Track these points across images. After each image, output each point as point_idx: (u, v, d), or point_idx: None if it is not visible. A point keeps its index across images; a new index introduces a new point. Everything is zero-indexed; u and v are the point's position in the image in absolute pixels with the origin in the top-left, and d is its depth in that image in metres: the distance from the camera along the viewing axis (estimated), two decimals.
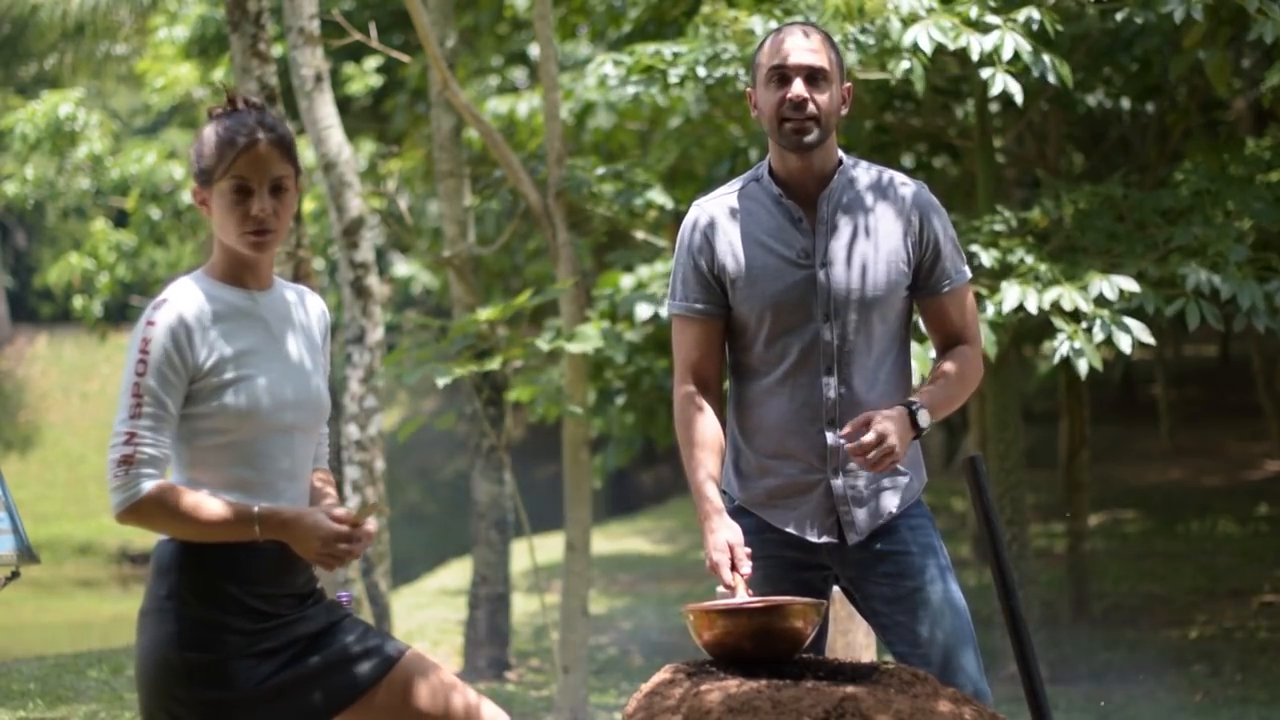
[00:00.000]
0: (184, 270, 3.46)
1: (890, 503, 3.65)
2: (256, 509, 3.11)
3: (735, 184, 3.73)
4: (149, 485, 3.04)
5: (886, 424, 3.43)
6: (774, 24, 7.25)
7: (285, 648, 3.19)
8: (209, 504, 3.08)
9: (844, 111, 3.66)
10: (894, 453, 3.43)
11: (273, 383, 3.16)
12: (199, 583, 3.12)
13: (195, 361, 3.09)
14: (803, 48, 3.59)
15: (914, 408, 3.51)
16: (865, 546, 3.65)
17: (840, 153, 3.69)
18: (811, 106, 3.56)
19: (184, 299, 3.12)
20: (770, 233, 3.63)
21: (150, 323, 3.08)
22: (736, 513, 3.62)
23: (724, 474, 3.67)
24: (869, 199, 3.65)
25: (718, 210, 3.68)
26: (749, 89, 3.70)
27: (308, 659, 3.21)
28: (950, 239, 3.67)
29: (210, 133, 3.17)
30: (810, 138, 3.58)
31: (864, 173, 3.70)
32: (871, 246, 3.61)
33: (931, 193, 3.76)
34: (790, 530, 3.64)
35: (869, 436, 3.42)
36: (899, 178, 3.70)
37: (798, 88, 3.56)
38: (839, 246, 3.61)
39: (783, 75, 3.58)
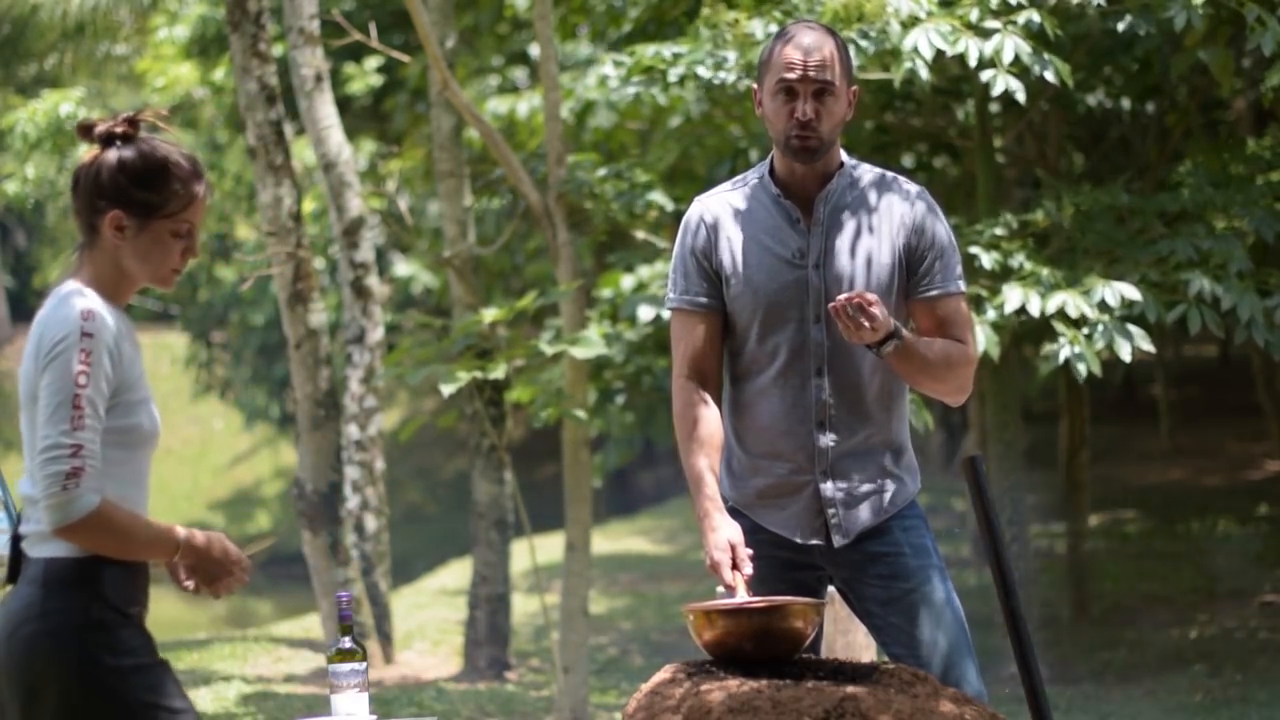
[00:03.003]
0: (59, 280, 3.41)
1: (881, 506, 3.64)
2: (181, 532, 3.09)
3: (736, 182, 3.73)
4: (96, 500, 2.97)
5: (882, 310, 3.41)
6: (774, 27, 7.24)
7: None
8: (142, 523, 3.05)
9: (850, 116, 3.65)
10: (871, 322, 3.39)
11: (153, 404, 3.15)
12: (109, 597, 3.04)
13: (117, 377, 3.04)
14: (811, 62, 3.54)
15: (897, 332, 3.47)
16: (858, 548, 3.64)
17: (843, 154, 3.68)
18: (817, 123, 3.55)
19: (106, 311, 3.05)
20: (768, 231, 3.63)
21: (87, 333, 2.99)
22: (729, 514, 3.62)
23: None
24: (868, 201, 3.65)
25: (718, 207, 3.68)
26: (754, 86, 3.68)
27: None
28: (947, 246, 3.65)
29: (147, 163, 3.10)
30: (814, 152, 3.58)
31: (865, 175, 3.69)
32: (866, 249, 3.61)
33: (933, 195, 3.76)
34: (779, 531, 3.64)
35: (872, 296, 3.41)
36: (901, 181, 3.69)
37: (805, 108, 3.54)
38: (834, 248, 3.61)
39: (790, 90, 3.56)
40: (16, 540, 3.10)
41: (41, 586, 3.03)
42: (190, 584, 3.14)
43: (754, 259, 3.62)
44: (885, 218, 3.64)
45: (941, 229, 3.66)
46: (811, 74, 3.54)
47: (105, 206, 3.10)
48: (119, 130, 3.13)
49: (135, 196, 3.10)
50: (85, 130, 3.15)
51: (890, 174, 3.71)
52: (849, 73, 3.62)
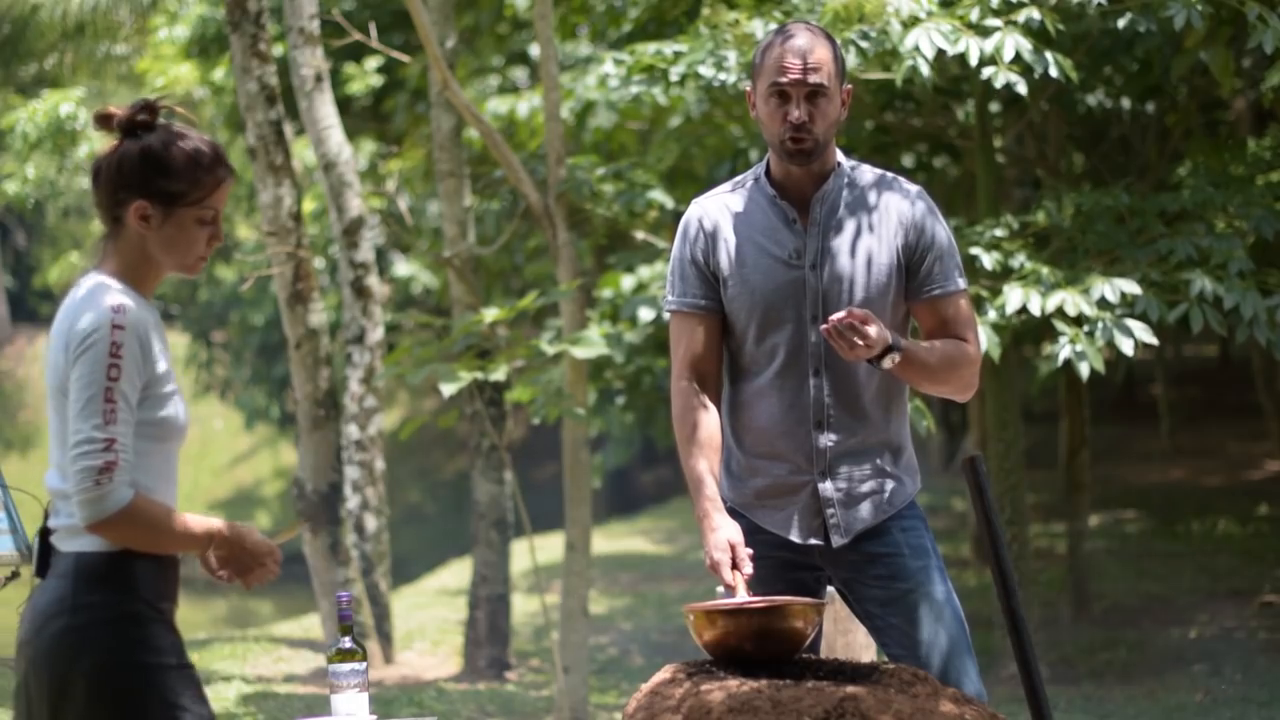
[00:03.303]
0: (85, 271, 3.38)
1: (879, 506, 3.64)
2: (214, 524, 3.06)
3: (733, 183, 3.73)
4: (129, 495, 2.94)
5: (877, 326, 3.40)
6: (775, 27, 7.23)
7: None
8: (175, 516, 3.02)
9: (844, 116, 3.65)
10: (865, 340, 3.37)
11: (181, 396, 3.12)
12: (141, 592, 3.01)
13: (148, 369, 3.01)
14: (804, 66, 3.54)
15: (895, 344, 3.45)
16: (857, 548, 3.64)
17: (839, 154, 3.68)
18: (811, 126, 3.55)
19: (134, 303, 3.02)
20: (764, 233, 3.63)
21: (118, 325, 2.96)
22: (728, 515, 3.62)
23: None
24: (864, 202, 3.65)
25: (715, 208, 3.68)
26: (748, 89, 3.69)
27: None
28: (946, 246, 3.64)
29: (169, 151, 3.06)
30: (810, 155, 3.58)
31: (862, 175, 3.68)
32: (863, 249, 3.61)
33: (932, 195, 3.75)
34: (778, 531, 3.64)
35: (862, 312, 3.39)
36: (899, 181, 3.69)
37: (798, 110, 3.54)
38: (830, 248, 3.60)
39: (782, 93, 3.56)
40: (45, 534, 3.07)
41: (72, 581, 2.99)
42: (224, 575, 3.11)
43: (751, 260, 3.62)
44: (883, 218, 3.63)
45: (940, 228, 3.66)
46: (804, 77, 3.54)
47: (129, 197, 3.06)
48: (140, 119, 3.09)
49: (159, 185, 3.06)
50: (104, 120, 3.11)
51: (888, 174, 3.71)
52: (842, 73, 3.61)
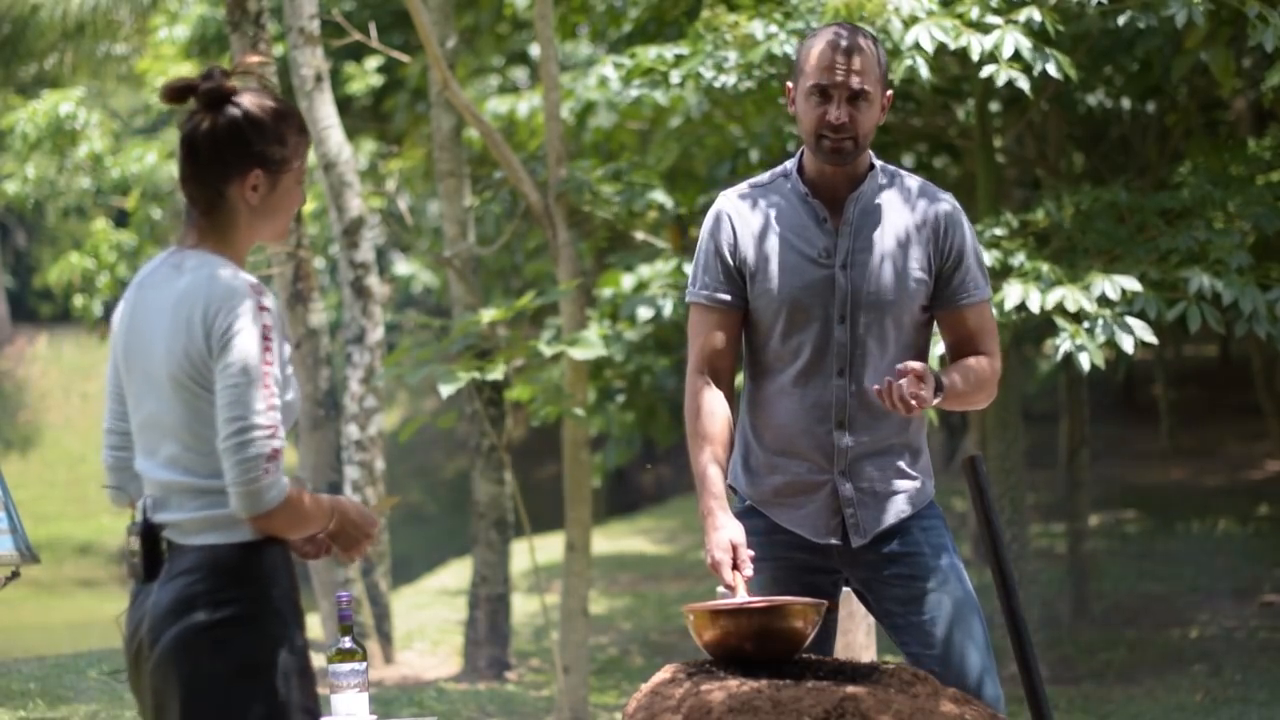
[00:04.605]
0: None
1: (898, 507, 3.63)
2: (331, 499, 2.96)
3: (764, 178, 3.71)
4: (288, 481, 2.82)
5: (929, 387, 3.41)
6: (775, 28, 7.25)
7: None
8: (314, 498, 2.91)
9: (882, 120, 3.63)
10: (918, 401, 3.38)
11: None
12: (284, 584, 2.89)
13: (285, 353, 2.91)
14: (848, 66, 3.52)
15: (940, 387, 3.47)
16: (877, 548, 3.63)
17: (872, 156, 3.66)
18: (850, 127, 3.54)
19: (260, 284, 2.90)
20: (794, 230, 3.61)
21: (264, 308, 2.84)
22: (747, 513, 3.61)
23: (733, 470, 3.66)
24: (898, 205, 3.63)
25: (743, 203, 3.67)
26: (789, 85, 3.67)
27: None
28: (974, 253, 3.63)
29: (269, 116, 2.94)
30: (846, 155, 3.57)
31: (896, 179, 3.66)
32: (893, 251, 3.59)
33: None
34: (796, 530, 3.63)
35: (918, 366, 3.39)
36: (929, 187, 3.67)
37: (839, 110, 3.52)
38: (861, 248, 3.59)
39: (824, 92, 3.55)
40: (150, 531, 2.89)
41: (209, 575, 2.84)
42: (312, 550, 3.01)
43: (779, 257, 3.60)
44: (913, 221, 3.61)
45: (971, 237, 3.65)
46: (847, 80, 3.52)
47: (241, 168, 2.92)
48: (227, 86, 2.94)
49: (270, 152, 2.93)
50: (180, 92, 2.94)
51: (917, 179, 3.69)
52: (884, 78, 3.59)
